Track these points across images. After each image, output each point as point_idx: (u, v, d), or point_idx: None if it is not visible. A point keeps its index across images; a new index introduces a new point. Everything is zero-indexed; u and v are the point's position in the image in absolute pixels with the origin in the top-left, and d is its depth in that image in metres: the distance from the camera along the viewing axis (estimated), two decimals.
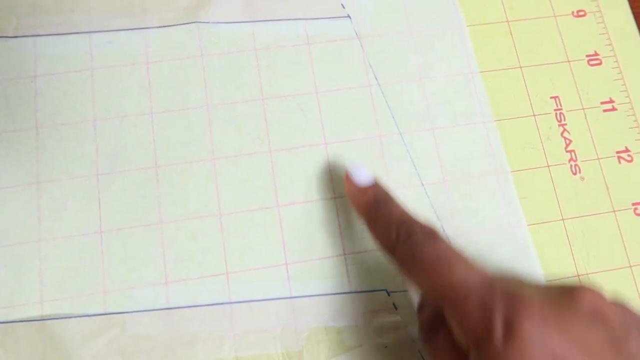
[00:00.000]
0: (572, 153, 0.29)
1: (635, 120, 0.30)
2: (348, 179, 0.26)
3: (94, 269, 0.26)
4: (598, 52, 0.31)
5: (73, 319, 0.26)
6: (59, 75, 0.29)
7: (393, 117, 0.29)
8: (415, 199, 0.28)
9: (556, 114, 0.30)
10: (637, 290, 0.28)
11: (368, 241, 0.27)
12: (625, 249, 0.28)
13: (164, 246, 0.27)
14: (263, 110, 0.29)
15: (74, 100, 0.29)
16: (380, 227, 0.24)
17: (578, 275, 0.28)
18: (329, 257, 0.27)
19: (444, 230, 0.28)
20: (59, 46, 0.29)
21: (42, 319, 0.26)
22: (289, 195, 0.28)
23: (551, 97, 0.30)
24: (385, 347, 0.26)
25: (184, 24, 0.30)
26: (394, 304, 0.27)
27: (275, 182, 0.28)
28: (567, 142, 0.30)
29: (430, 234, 0.22)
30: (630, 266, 0.28)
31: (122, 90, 0.29)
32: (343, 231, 0.28)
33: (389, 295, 0.27)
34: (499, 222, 0.28)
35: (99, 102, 0.29)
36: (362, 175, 0.26)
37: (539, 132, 0.30)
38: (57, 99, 0.29)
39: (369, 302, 0.27)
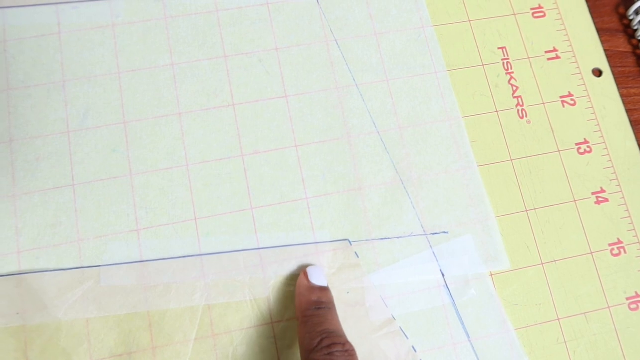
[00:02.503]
0: (519, 99, 0.31)
1: (577, 67, 0.32)
2: (304, 274, 0.27)
3: (68, 223, 0.28)
4: (542, 5, 0.33)
5: (49, 272, 0.27)
6: (28, 40, 0.30)
7: (350, 70, 0.31)
8: (371, 146, 0.30)
9: (503, 63, 0.32)
10: (581, 223, 0.30)
11: (329, 184, 0.29)
12: (570, 186, 0.30)
13: (135, 196, 0.28)
14: (226, 67, 0.30)
15: (43, 64, 0.30)
16: (308, 329, 0.24)
17: (526, 210, 0.30)
18: (292, 201, 0.29)
19: (398, 174, 0.30)
20: (27, 16, 0.31)
21: (20, 273, 0.27)
22: (252, 145, 0.29)
23: (499, 48, 0.32)
24: (348, 292, 0.28)
25: None
26: (355, 253, 0.28)
27: (239, 133, 0.30)
28: (514, 88, 0.32)
29: (349, 355, 0.23)
30: (575, 201, 0.30)
31: (90, 52, 0.30)
32: (304, 176, 0.29)
33: (351, 244, 0.29)
34: (452, 164, 0.30)
35: (68, 65, 0.30)
36: (319, 276, 0.27)
37: (487, 80, 0.32)
38: (27, 63, 0.30)
39: (332, 251, 0.28)
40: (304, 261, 0.28)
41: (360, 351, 0.27)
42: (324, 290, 0.26)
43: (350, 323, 0.27)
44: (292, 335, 0.27)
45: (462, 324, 0.28)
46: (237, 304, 0.27)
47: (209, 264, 0.28)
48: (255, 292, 0.27)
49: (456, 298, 0.28)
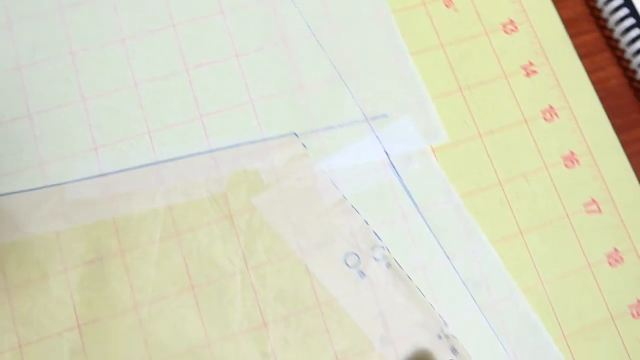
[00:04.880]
0: None
1: None
2: None
3: (29, 149, 0.29)
4: None
5: (15, 194, 0.29)
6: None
7: None
8: (307, 48, 0.31)
9: None
10: (513, 94, 0.32)
11: (271, 87, 0.31)
12: (500, 62, 0.32)
13: (89, 118, 0.30)
14: None
15: None
16: None
17: (460, 90, 0.31)
18: (238, 105, 0.30)
19: (336, 69, 0.31)
20: None
21: None
22: (195, 59, 0.31)
23: None
24: (299, 180, 0.30)
25: None
26: (302, 144, 0.30)
27: (182, 50, 0.31)
28: None
29: None
30: (505, 75, 0.32)
31: None
32: (247, 82, 0.31)
33: (297, 137, 0.30)
34: (386, 55, 0.32)
35: (12, 6, 0.31)
36: None
37: None
38: None
39: (280, 145, 0.30)
40: (256, 157, 0.30)
41: (316, 232, 0.29)
42: None
43: (305, 208, 0.29)
44: (255, 224, 0.29)
45: (410, 196, 0.30)
46: (197, 202, 0.29)
47: (166, 170, 0.29)
48: (212, 190, 0.29)
49: (401, 173, 0.30)
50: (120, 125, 0.30)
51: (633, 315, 0.29)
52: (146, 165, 0.29)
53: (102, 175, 0.29)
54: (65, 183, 0.29)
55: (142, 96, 0.30)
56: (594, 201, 0.31)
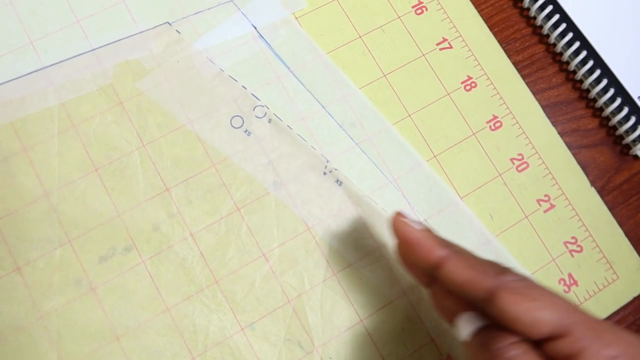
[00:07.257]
0: None
1: None
2: (398, 216, 0.25)
3: None
4: None
5: None
6: None
7: None
8: None
9: None
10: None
11: None
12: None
13: None
14: None
15: None
16: (472, 264, 0.22)
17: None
18: (111, 7, 0.33)
19: None
20: None
21: None
22: None
23: None
24: (178, 61, 0.32)
25: None
26: (177, 30, 0.33)
27: None
28: None
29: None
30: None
31: None
32: None
33: (171, 25, 0.33)
34: None
35: None
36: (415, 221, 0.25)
37: None
38: None
39: (156, 34, 0.33)
40: (134, 49, 0.32)
41: (201, 103, 0.32)
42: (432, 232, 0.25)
43: (187, 85, 0.32)
44: (144, 105, 0.31)
45: (281, 60, 0.33)
46: (87, 96, 0.32)
47: (53, 73, 0.32)
48: (99, 83, 0.32)
49: (270, 42, 0.33)
50: (2, 41, 0.32)
51: (491, 128, 0.34)
52: (34, 71, 0.32)
53: None
54: None
55: (19, 11, 0.32)
56: (444, 39, 0.35)
